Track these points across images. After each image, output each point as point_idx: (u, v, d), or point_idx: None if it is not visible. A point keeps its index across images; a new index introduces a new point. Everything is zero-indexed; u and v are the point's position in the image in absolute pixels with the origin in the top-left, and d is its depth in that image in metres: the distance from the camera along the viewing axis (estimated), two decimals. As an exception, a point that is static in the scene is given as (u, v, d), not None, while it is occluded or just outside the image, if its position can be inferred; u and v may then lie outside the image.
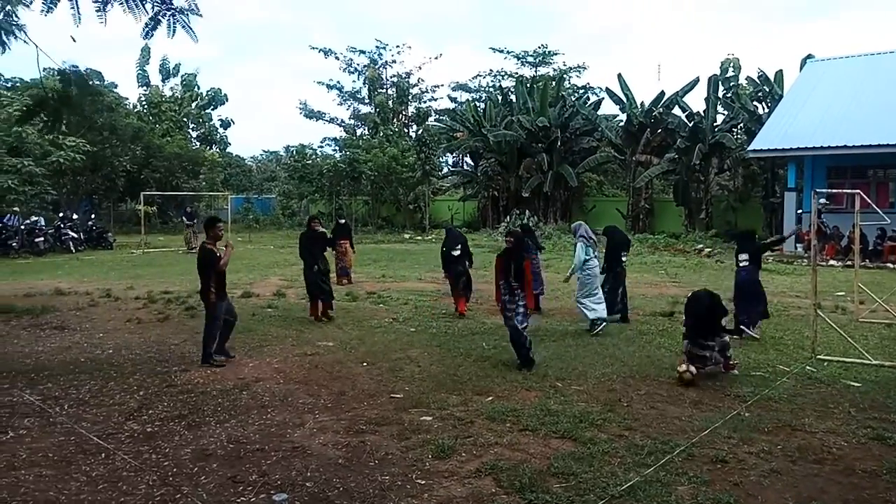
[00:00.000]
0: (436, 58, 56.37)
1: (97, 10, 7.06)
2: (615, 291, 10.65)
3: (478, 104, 40.18)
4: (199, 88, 44.62)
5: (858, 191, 10.45)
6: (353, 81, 45.18)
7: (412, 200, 36.89)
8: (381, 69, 44.03)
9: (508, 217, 31.08)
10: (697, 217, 29.30)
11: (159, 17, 7.34)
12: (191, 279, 15.79)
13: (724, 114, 29.76)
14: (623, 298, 10.75)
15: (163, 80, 43.99)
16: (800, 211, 22.04)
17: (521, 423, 5.78)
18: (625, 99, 31.41)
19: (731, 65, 31.80)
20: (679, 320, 10.71)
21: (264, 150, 54.33)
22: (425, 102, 44.99)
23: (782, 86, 28.23)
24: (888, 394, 6.71)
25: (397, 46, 44.17)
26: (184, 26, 7.40)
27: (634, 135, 31.03)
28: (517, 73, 43.53)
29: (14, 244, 22.19)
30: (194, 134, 44.76)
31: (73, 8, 7.02)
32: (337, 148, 41.44)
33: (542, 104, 33.26)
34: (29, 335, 9.60)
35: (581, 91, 40.45)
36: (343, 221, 16.92)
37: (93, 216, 29.85)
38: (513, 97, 37.07)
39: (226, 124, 46.82)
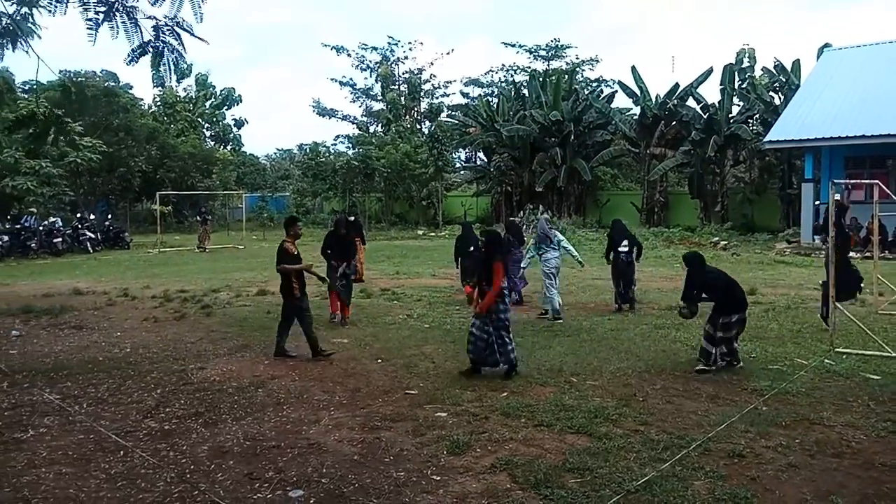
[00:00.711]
0: (448, 53, 56.71)
1: (88, 30, 7.12)
2: (616, 282, 11.23)
3: (490, 99, 40.10)
4: (213, 88, 44.93)
5: (877, 181, 10.32)
6: (366, 78, 45.30)
7: (425, 197, 36.92)
8: (393, 66, 44.04)
9: (522, 212, 31.01)
10: (713, 210, 29.07)
11: (146, 48, 7.35)
12: (206, 278, 15.95)
13: (739, 105, 29.48)
14: (624, 289, 11.13)
15: (177, 81, 44.37)
16: (817, 202, 21.78)
17: (535, 418, 5.77)
18: (638, 91, 31.19)
19: (747, 55, 31.45)
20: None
21: (278, 149, 54.76)
22: (437, 98, 44.97)
23: (799, 76, 27.88)
24: (909, 386, 6.62)
25: (409, 43, 44.19)
26: (172, 62, 7.38)
27: (648, 127, 30.83)
28: (530, 68, 43.38)
29: (33, 245, 22.49)
30: (208, 133, 45.12)
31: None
32: (350, 145, 41.57)
33: (554, 98, 33.12)
34: (48, 335, 9.72)
35: (594, 84, 40.27)
36: (353, 219, 16.96)
37: (109, 216, 30.14)
38: (525, 92, 36.96)
39: (239, 123, 47.20)
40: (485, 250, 7.52)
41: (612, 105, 34.34)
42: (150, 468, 4.88)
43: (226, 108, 45.79)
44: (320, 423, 5.79)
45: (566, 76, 36.14)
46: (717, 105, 28.84)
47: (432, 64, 44.21)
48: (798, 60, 28.51)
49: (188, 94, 44.16)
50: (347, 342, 8.95)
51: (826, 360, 7.62)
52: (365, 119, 45.61)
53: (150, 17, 7.19)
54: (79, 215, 26.11)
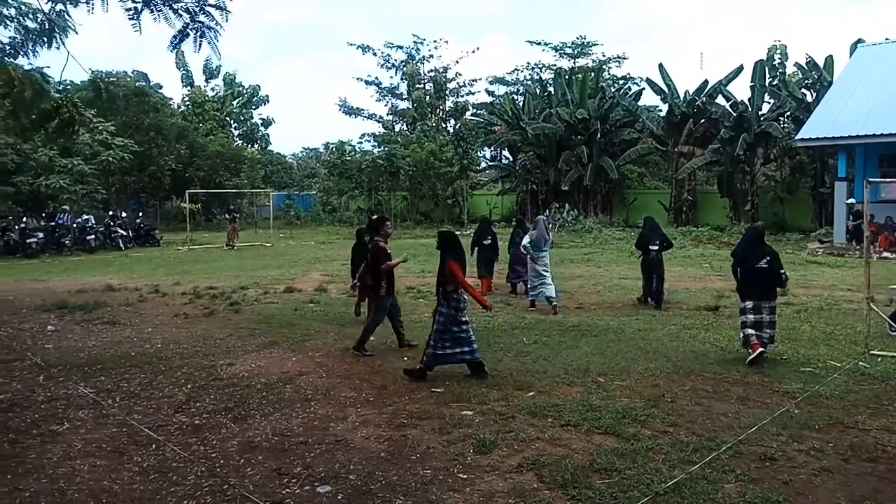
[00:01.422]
0: (473, 52, 56.41)
1: (130, 18, 7.29)
2: (649, 279, 11.43)
3: (516, 97, 39.96)
4: (242, 87, 45.45)
5: (914, 180, 10.06)
6: (391, 77, 45.48)
7: (450, 195, 36.92)
8: (418, 64, 44.12)
9: (548, 211, 30.86)
10: (743, 209, 28.62)
11: (187, 31, 7.53)
12: (235, 275, 16.15)
13: (770, 102, 28.96)
14: (657, 285, 11.32)
15: (206, 81, 44.95)
16: (850, 201, 21.32)
17: (562, 418, 5.74)
18: (666, 89, 30.82)
19: (778, 52, 30.86)
20: (725, 314, 10.52)
21: (304, 148, 55.20)
22: (463, 97, 44.98)
23: (832, 72, 27.30)
24: (947, 391, 6.46)
25: (434, 41, 44.22)
26: (210, 42, 7.56)
27: (676, 125, 30.45)
28: (555, 66, 43.14)
29: (67, 242, 23.00)
30: (236, 132, 45.67)
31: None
32: (375, 144, 41.75)
33: (581, 96, 32.88)
34: (82, 330, 9.93)
35: (621, 82, 39.90)
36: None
37: (140, 214, 30.73)
38: (551, 90, 36.75)
39: (267, 123, 47.70)
40: (440, 252, 7.35)
41: (640, 103, 33.97)
42: (182, 462, 4.96)
43: (252, 107, 46.29)
44: (347, 420, 5.83)
45: (592, 74, 35.86)
46: (748, 102, 28.37)
47: (457, 62, 44.18)
48: (831, 57, 27.93)
49: (216, 93, 44.74)
50: (373, 339, 8.97)
51: (860, 363, 7.46)
52: (390, 118, 45.78)
53: (179, 2, 7.36)
54: (111, 213, 26.67)
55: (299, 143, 75.07)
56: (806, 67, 28.70)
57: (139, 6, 7.27)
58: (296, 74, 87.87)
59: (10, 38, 9.82)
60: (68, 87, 31.47)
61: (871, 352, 7.83)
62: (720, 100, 29.78)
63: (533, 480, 4.57)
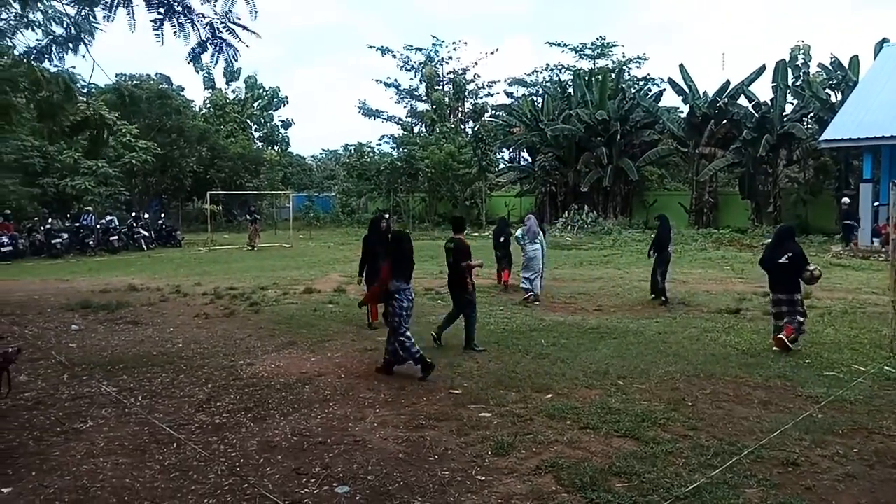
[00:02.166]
0: (492, 53, 56.33)
1: (154, 30, 7.41)
2: (655, 274, 12.09)
3: (535, 99, 39.84)
4: (263, 90, 45.87)
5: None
6: (411, 79, 45.53)
7: (469, 196, 36.90)
8: (437, 66, 44.18)
9: (567, 212, 30.72)
10: (765, 211, 28.26)
11: (206, 45, 7.62)
12: (255, 275, 16.29)
13: (793, 103, 28.57)
14: (661, 281, 11.92)
15: (227, 83, 45.41)
16: (876, 203, 20.95)
17: (581, 420, 5.71)
18: (687, 90, 30.53)
19: (802, 52, 30.47)
20: (746, 318, 10.41)
21: (324, 149, 55.49)
22: (482, 98, 44.92)
23: (857, 72, 26.84)
24: (976, 396, 6.32)
25: (453, 43, 44.36)
26: (227, 59, 7.65)
27: (697, 126, 30.15)
28: (575, 67, 42.95)
29: (91, 242, 23.38)
30: (257, 134, 46.08)
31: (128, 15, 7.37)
32: (394, 145, 41.86)
33: (600, 97, 32.70)
34: (105, 329, 10.07)
35: (641, 83, 39.59)
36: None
37: (162, 215, 31.12)
38: (570, 91, 36.58)
39: (287, 124, 48.03)
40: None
41: (660, 104, 33.69)
42: (202, 461, 5.01)
43: (273, 108, 46.68)
44: (366, 421, 5.85)
45: (612, 75, 35.65)
46: (770, 103, 28.01)
47: (476, 64, 44.23)
48: (856, 56, 27.47)
49: (237, 96, 45.19)
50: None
51: (886, 368, 7.33)
52: (409, 119, 45.88)
53: (201, 15, 7.45)
54: (134, 214, 27.04)
55: (319, 145, 75.68)
56: (830, 67, 28.26)
57: (161, 19, 7.37)
58: (316, 76, 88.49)
59: (36, 41, 10.03)
60: (93, 90, 32.00)
61: (898, 356, 7.69)
62: (742, 100, 29.43)
63: (551, 483, 4.54)
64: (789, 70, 28.59)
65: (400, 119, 45.94)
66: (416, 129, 44.57)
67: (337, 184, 44.68)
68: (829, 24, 74.09)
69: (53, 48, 9.72)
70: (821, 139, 22.52)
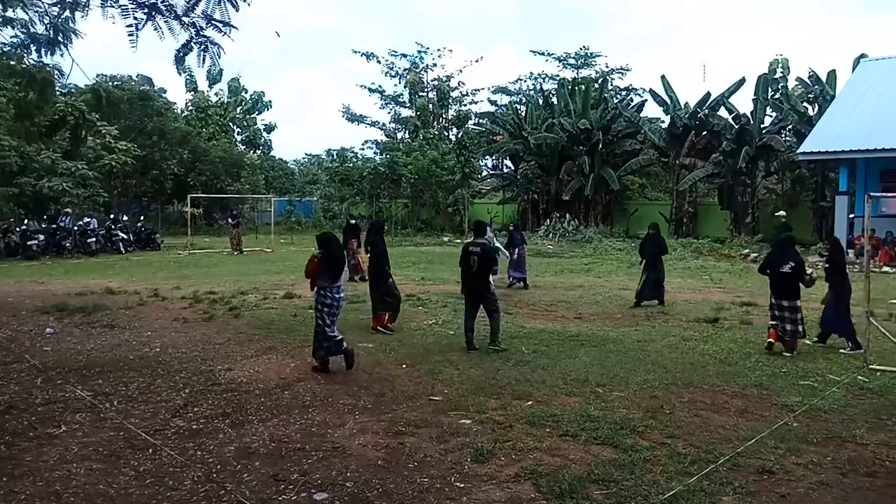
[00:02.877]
0: (476, 61, 56.22)
1: (130, 35, 7.34)
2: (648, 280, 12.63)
3: (518, 107, 40.04)
4: (246, 93, 45.63)
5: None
6: (395, 85, 45.51)
7: (451, 203, 36.96)
8: (421, 73, 44.24)
9: (549, 220, 30.88)
10: (743, 221, 28.64)
11: (191, 45, 7.57)
12: (235, 280, 16.15)
13: (772, 115, 29.03)
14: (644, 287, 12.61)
15: (210, 86, 45.11)
16: (851, 216, 21.33)
17: (560, 428, 5.73)
18: (668, 101, 30.91)
19: (780, 65, 31.01)
20: (724, 327, 10.53)
21: (307, 154, 55.35)
22: (465, 105, 44.99)
23: (835, 86, 27.37)
24: (946, 406, 6.44)
25: (438, 50, 44.27)
26: (212, 57, 7.61)
27: (678, 137, 30.51)
28: (558, 76, 43.26)
29: (68, 245, 23.02)
30: (239, 138, 45.79)
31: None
32: (377, 151, 41.79)
33: (583, 106, 32.96)
34: (81, 333, 9.92)
35: (623, 93, 39.95)
36: (354, 222, 17.78)
37: (142, 218, 30.77)
38: (554, 100, 36.85)
39: (269, 128, 47.78)
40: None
41: (642, 114, 34.06)
42: (178, 466, 4.95)
43: (256, 112, 46.44)
44: (345, 427, 5.82)
45: (595, 84, 35.97)
46: (749, 115, 28.44)
47: (461, 71, 44.18)
48: (834, 71, 28.03)
49: (220, 98, 44.89)
50: (372, 346, 8.99)
51: (859, 377, 7.45)
52: (393, 125, 45.86)
53: (186, 16, 7.38)
54: (112, 216, 26.69)
55: (301, 149, 75.39)
56: (808, 81, 28.78)
57: (140, 22, 7.30)
58: (300, 80, 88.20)
59: (12, 36, 9.88)
60: (72, 90, 31.69)
61: (871, 366, 7.82)
62: (722, 112, 29.85)
63: (530, 490, 4.55)
64: (768, 83, 29.06)
65: (383, 125, 45.92)
66: (399, 135, 44.55)
67: (319, 188, 44.50)
68: (808, 38, 75.51)
69: (33, 48, 9.60)
70: (798, 152, 22.91)
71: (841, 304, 9.03)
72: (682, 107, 30.65)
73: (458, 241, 31.24)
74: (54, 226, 23.57)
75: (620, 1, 78.59)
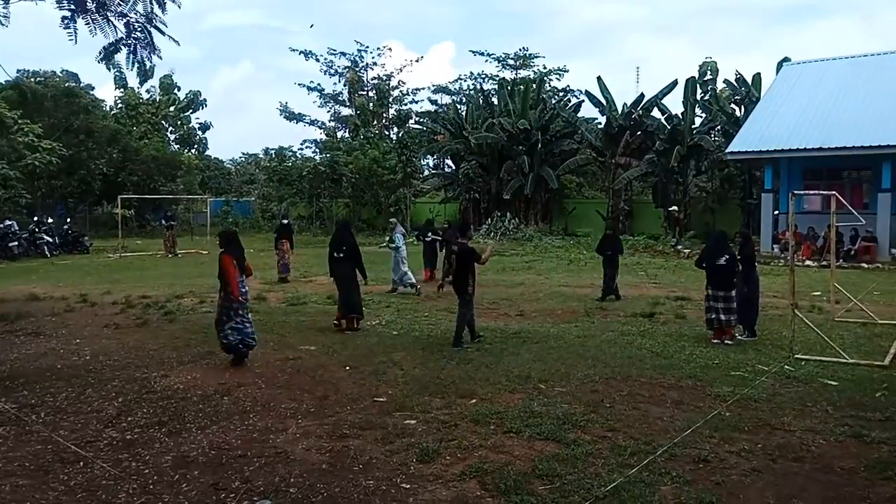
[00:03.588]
0: (417, 60, 56.25)
1: (65, 28, 7.02)
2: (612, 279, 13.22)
3: (459, 107, 40.23)
4: (178, 90, 44.20)
5: (834, 192, 10.63)
6: (334, 84, 45.06)
7: (393, 203, 36.81)
8: (361, 71, 43.92)
9: (490, 219, 31.14)
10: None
11: (119, 45, 7.28)
12: (169, 283, 15.64)
13: (702, 116, 30.09)
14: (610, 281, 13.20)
15: (140, 83, 43.48)
16: (776, 212, 22.34)
17: (505, 425, 5.78)
18: (604, 101, 31.63)
19: (709, 68, 32.20)
20: (660, 321, 10.86)
21: (244, 153, 54.03)
22: (406, 105, 44.95)
23: (760, 89, 28.61)
24: (864, 392, 6.83)
25: (378, 49, 44.11)
26: (139, 61, 7.36)
27: (614, 137, 31.26)
28: (498, 76, 43.67)
29: (-14, 249, 21.80)
30: (172, 136, 44.33)
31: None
32: (317, 150, 41.21)
33: (522, 107, 33.37)
34: (3, 342, 9.41)
35: (561, 94, 40.63)
36: (286, 222, 18.02)
37: (68, 220, 29.39)
38: (494, 100, 37.18)
39: (205, 127, 46.42)
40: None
41: (579, 114, 34.74)
42: (112, 479, 4.75)
43: (191, 111, 45.05)
44: (288, 432, 5.72)
45: (534, 85, 36.47)
46: (681, 116, 29.41)
47: (401, 70, 44.15)
48: (759, 74, 29.30)
49: (151, 95, 43.34)
50: (315, 349, 8.86)
51: (786, 367, 7.81)
52: (333, 124, 45.35)
53: (121, 15, 7.07)
54: (36, 219, 25.41)
55: (238, 149, 73.60)
56: (735, 84, 30.00)
57: (71, 13, 6.95)
58: (236, 78, 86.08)
59: None
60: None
61: (796, 356, 8.20)
62: (655, 113, 30.76)
63: (476, 488, 4.58)
64: (698, 85, 30.12)
65: (323, 124, 45.38)
66: (339, 134, 44.08)
67: (257, 188, 43.55)
68: (736, 42, 78.69)
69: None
70: (726, 151, 23.86)
71: (748, 294, 9.51)
72: (618, 108, 31.44)
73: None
74: (-29, 229, 22.29)
75: (558, 3, 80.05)
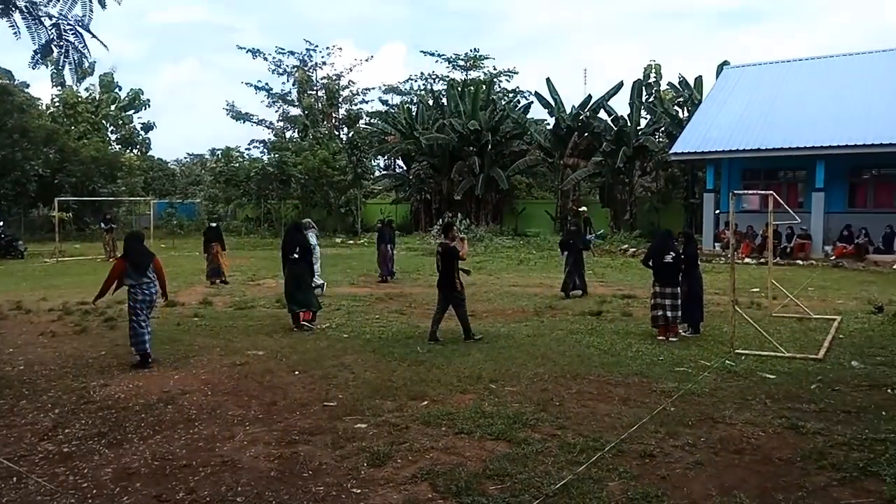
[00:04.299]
0: (367, 60, 56.05)
1: None
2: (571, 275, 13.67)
3: (410, 107, 40.20)
4: (119, 89, 42.78)
5: (772, 192, 11.04)
6: (283, 83, 44.40)
7: (343, 204, 36.49)
8: (310, 71, 43.39)
9: (441, 220, 31.19)
10: (622, 218, 30.21)
11: (50, 46, 6.98)
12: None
13: (647, 118, 30.83)
14: (580, 278, 13.78)
15: (78, 81, 41.89)
16: (717, 211, 23.05)
17: (456, 426, 5.79)
18: (553, 103, 32.09)
19: (654, 70, 33.01)
20: (607, 319, 11.07)
21: (189, 154, 52.75)
22: (356, 105, 44.63)
23: (702, 91, 29.48)
24: (800, 384, 7.10)
25: (327, 48, 43.78)
26: (72, 65, 7.09)
27: (562, 138, 31.74)
28: (448, 77, 43.79)
29: (-88, 254, 20.64)
30: (113, 137, 42.87)
31: None
32: (265, 150, 40.52)
33: (473, 108, 33.56)
34: (-71, 353, 8.93)
35: (511, 95, 41.05)
36: (215, 225, 18.01)
37: (1, 224, 28.06)
38: (444, 100, 37.27)
39: (147, 127, 45.05)
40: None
41: (528, 116, 35.16)
42: (47, 495, 4.56)
43: (133, 110, 43.64)
44: (235, 440, 5.59)
45: (484, 86, 36.72)
46: (627, 118, 30.06)
47: (351, 70, 43.78)
48: (700, 77, 30.21)
49: (91, 94, 41.82)
50: (263, 354, 8.70)
51: (727, 362, 8.06)
52: (281, 124, 44.66)
53: (49, 16, 6.76)
54: (-34, 222, 24.21)
55: (183, 149, 71.74)
56: (678, 86, 30.84)
57: None
58: (181, 77, 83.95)
59: None
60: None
61: (737, 351, 8.48)
62: (602, 114, 31.37)
63: (427, 491, 4.57)
64: (643, 88, 30.85)
65: (271, 123, 44.65)
66: (288, 135, 43.44)
67: (203, 190, 42.53)
68: (678, 45, 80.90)
69: None
70: (670, 152, 24.50)
71: (691, 291, 9.72)
72: (566, 109, 31.93)
73: (352, 242, 30.93)
74: None
75: (507, 4, 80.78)
